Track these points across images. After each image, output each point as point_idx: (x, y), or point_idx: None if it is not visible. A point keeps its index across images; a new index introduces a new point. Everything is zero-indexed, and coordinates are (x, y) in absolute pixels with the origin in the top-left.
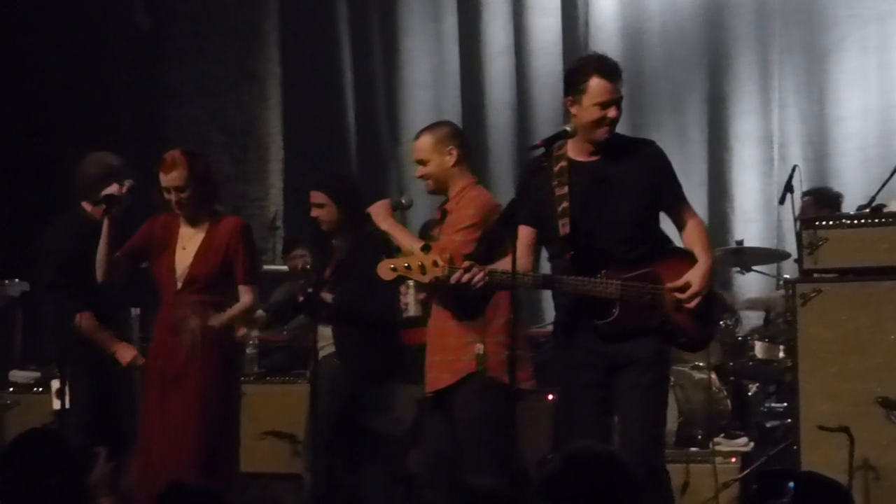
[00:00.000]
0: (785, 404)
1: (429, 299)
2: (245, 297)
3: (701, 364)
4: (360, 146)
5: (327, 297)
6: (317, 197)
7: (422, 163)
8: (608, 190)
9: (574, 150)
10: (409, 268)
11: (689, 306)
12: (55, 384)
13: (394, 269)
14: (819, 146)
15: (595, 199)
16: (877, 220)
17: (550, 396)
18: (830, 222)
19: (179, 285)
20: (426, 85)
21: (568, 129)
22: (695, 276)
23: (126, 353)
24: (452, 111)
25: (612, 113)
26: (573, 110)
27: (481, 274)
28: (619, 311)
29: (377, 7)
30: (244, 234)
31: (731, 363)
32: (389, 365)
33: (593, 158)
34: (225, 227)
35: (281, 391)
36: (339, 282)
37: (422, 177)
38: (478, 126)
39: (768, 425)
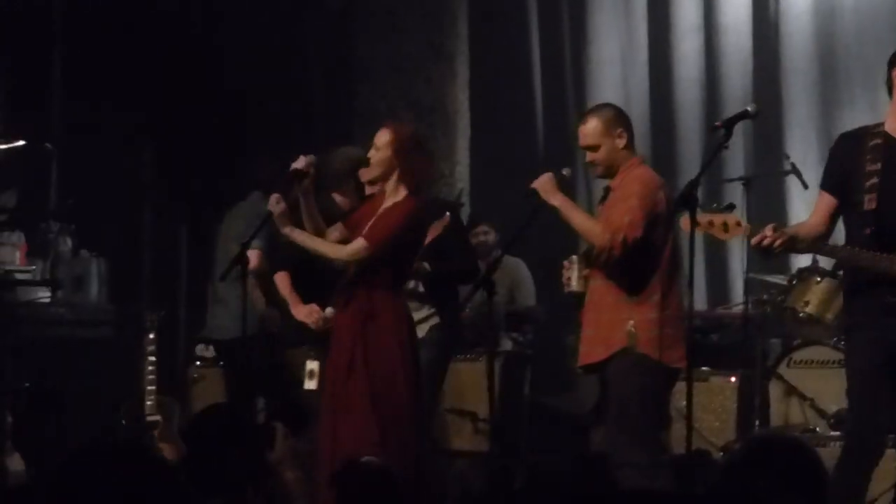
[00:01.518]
0: None
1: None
2: (353, 244)
3: None
4: (546, 123)
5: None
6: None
7: (591, 148)
8: None
9: (893, 128)
10: (712, 224)
11: None
12: (310, 364)
13: (698, 224)
14: None
15: None
16: None
17: (733, 379)
18: None
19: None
20: (614, 62)
21: (750, 109)
22: None
23: (301, 312)
24: (640, 88)
25: None
26: None
27: (782, 239)
28: None
29: None
30: (406, 207)
31: None
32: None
33: None
34: (401, 201)
35: (463, 368)
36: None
37: (592, 162)
38: (665, 104)
39: None
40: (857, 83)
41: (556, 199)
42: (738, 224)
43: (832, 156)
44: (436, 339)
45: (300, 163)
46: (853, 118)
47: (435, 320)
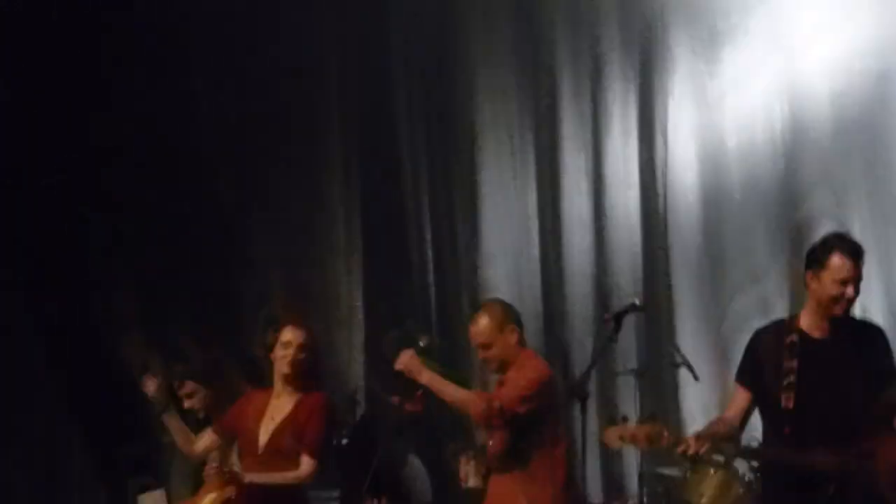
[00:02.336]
0: None
1: (489, 471)
2: (304, 466)
3: None
4: (440, 318)
5: None
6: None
7: (485, 346)
8: (837, 370)
9: (808, 325)
10: (636, 437)
11: None
12: None
13: (622, 438)
14: None
15: (823, 377)
16: None
17: None
18: None
19: (261, 454)
20: (506, 255)
21: (636, 302)
22: None
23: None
24: (532, 282)
25: (849, 291)
26: (812, 284)
27: (705, 446)
28: (835, 488)
29: (458, 180)
30: (324, 406)
31: None
32: None
33: (826, 336)
34: (310, 401)
35: None
36: None
37: (485, 359)
38: (557, 297)
39: None
40: (746, 274)
41: (424, 377)
42: (661, 434)
43: (749, 351)
44: None
45: (149, 388)
46: (742, 310)
47: None
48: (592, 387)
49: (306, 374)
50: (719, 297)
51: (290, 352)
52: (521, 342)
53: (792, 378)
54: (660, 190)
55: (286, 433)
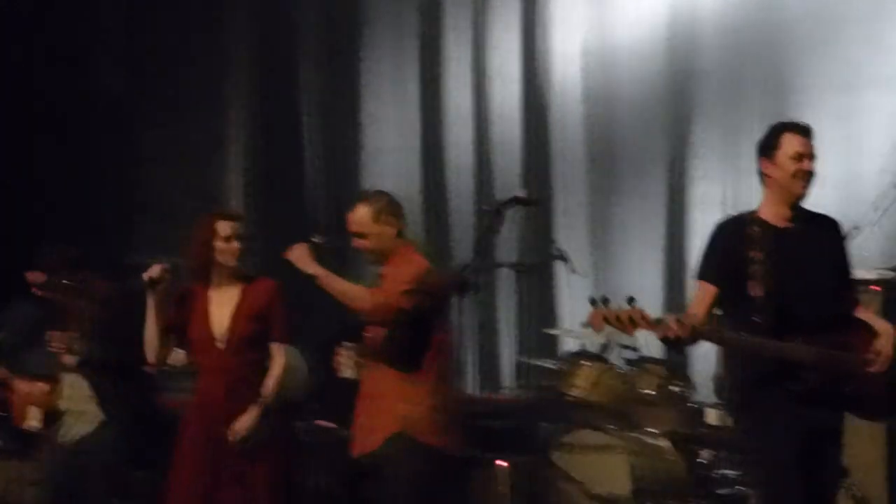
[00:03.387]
0: (737, 471)
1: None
2: (279, 355)
3: (654, 430)
4: (323, 211)
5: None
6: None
7: (361, 236)
8: (803, 257)
9: (769, 215)
10: (620, 319)
11: (879, 370)
12: None
13: (606, 320)
14: None
15: (789, 264)
16: None
17: (505, 464)
18: None
19: (222, 346)
20: (388, 149)
21: (520, 194)
22: (884, 343)
23: None
24: (413, 175)
25: (807, 164)
26: (768, 171)
27: (687, 331)
28: (816, 377)
29: (341, 74)
30: (281, 291)
31: (684, 429)
32: None
33: (789, 225)
34: (261, 287)
35: None
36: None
37: (360, 248)
38: (438, 190)
39: (720, 492)
40: (628, 170)
41: (312, 269)
42: (644, 318)
43: (712, 246)
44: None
45: (154, 271)
46: (624, 204)
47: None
48: (472, 279)
49: (244, 264)
50: (600, 192)
51: (234, 244)
52: (402, 235)
53: (757, 267)
54: (542, 83)
55: (249, 319)
